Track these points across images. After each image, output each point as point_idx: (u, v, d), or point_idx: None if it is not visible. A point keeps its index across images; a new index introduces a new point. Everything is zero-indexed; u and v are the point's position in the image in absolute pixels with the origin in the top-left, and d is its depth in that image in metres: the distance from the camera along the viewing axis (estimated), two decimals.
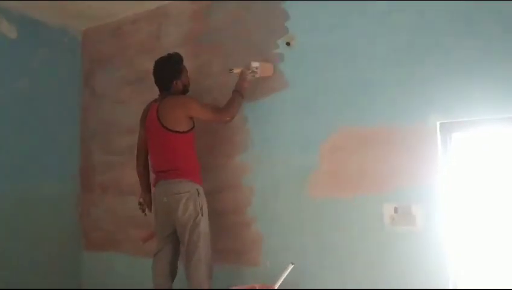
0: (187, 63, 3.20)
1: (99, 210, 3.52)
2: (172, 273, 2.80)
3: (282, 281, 2.52)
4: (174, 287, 2.79)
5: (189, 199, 2.62)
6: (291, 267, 2.53)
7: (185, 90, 2.85)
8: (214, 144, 2.92)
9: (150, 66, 3.39)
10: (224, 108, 2.76)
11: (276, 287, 2.51)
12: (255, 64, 2.81)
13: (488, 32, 2.35)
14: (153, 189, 2.84)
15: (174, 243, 2.76)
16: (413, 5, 2.53)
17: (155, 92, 3.25)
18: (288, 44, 2.89)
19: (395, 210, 2.53)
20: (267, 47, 2.95)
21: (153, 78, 3.35)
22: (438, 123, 2.48)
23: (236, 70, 2.84)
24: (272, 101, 2.92)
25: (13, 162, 3.13)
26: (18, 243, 3.09)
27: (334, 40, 2.75)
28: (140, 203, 2.91)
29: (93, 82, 3.70)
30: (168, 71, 2.81)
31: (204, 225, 2.66)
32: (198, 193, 2.66)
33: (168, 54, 2.86)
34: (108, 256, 3.44)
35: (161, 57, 2.85)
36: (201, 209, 2.64)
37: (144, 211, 2.92)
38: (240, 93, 2.79)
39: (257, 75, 2.83)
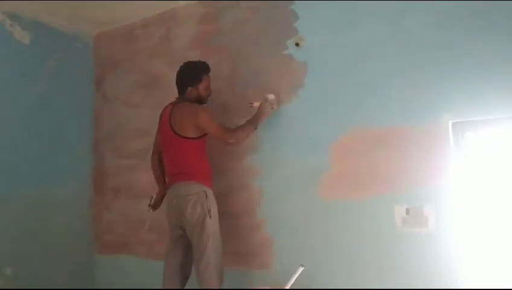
0: None
1: (112, 213, 3.54)
2: (183, 276, 2.79)
3: (292, 284, 2.50)
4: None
5: (197, 201, 2.62)
6: (301, 269, 2.51)
7: (199, 100, 2.81)
8: (223, 146, 2.91)
9: (161, 69, 3.44)
10: (232, 130, 2.73)
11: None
12: (270, 96, 2.83)
13: (501, 30, 2.30)
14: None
15: (185, 245, 2.75)
16: (425, 4, 2.50)
17: (166, 95, 3.27)
18: (297, 45, 2.88)
19: (407, 211, 2.50)
20: (276, 48, 2.94)
21: (163, 82, 3.40)
22: (450, 123, 2.44)
23: (256, 104, 2.83)
24: (281, 102, 2.90)
25: (27, 166, 3.17)
26: (32, 246, 3.12)
27: (344, 40, 2.73)
28: (151, 198, 2.90)
29: (105, 86, 3.73)
30: (186, 76, 2.80)
31: (212, 227, 2.64)
32: (206, 195, 2.65)
33: (195, 61, 2.85)
34: (121, 259, 3.45)
35: (187, 62, 2.85)
36: (209, 211, 2.63)
37: (149, 205, 2.91)
38: (253, 125, 2.76)
39: (275, 107, 2.85)
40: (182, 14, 3.40)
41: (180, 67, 2.84)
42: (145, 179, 3.39)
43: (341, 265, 2.66)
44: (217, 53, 3.18)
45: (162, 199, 2.90)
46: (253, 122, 2.76)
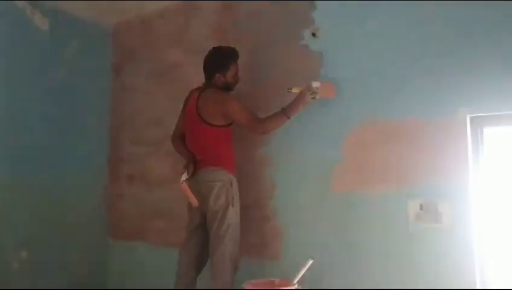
0: None
1: (126, 200, 3.57)
2: (198, 266, 2.79)
3: (302, 276, 2.48)
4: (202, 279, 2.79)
5: (221, 188, 2.60)
6: (310, 262, 2.48)
7: (226, 87, 2.77)
8: (236, 137, 2.89)
9: (178, 58, 3.45)
10: (262, 119, 2.63)
11: (295, 282, 2.47)
12: (315, 84, 2.58)
13: None
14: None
15: (202, 235, 2.74)
16: None
17: (183, 84, 3.30)
18: (314, 35, 2.84)
19: (421, 207, 2.44)
20: (293, 38, 2.91)
21: (181, 71, 3.40)
22: (468, 117, 2.37)
23: (295, 90, 2.63)
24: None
25: (44, 153, 3.21)
26: (47, 231, 3.17)
27: (361, 31, 2.69)
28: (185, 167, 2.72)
29: (123, 74, 3.75)
30: (215, 62, 2.76)
31: (233, 216, 2.63)
32: (231, 183, 2.64)
33: (225, 46, 2.81)
34: (135, 246, 3.49)
35: (216, 47, 2.81)
36: (232, 199, 2.62)
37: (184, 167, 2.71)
38: (286, 115, 2.59)
39: (317, 97, 2.60)
40: (200, 3, 3.39)
41: (209, 52, 2.80)
42: (159, 167, 3.41)
43: (352, 259, 2.63)
44: (234, 43, 3.14)
45: (192, 162, 2.73)
46: (286, 111, 2.59)
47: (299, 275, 2.47)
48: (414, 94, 2.49)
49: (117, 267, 3.54)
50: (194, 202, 2.68)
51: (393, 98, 2.55)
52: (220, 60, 2.76)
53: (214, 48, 2.81)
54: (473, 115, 2.37)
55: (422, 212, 2.44)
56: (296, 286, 2.46)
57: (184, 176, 2.71)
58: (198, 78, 3.26)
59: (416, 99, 2.48)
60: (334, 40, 2.77)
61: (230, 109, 2.63)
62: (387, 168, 2.54)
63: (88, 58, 3.58)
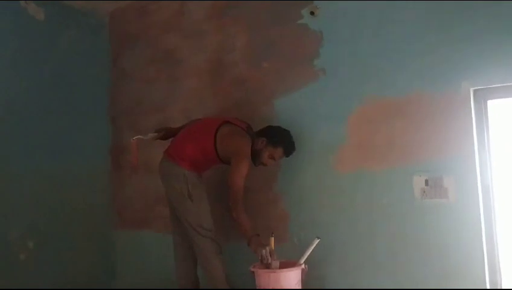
0: (211, 38, 3.19)
1: (130, 188, 3.56)
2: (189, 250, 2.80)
3: (309, 256, 2.48)
4: None
5: (174, 181, 2.67)
6: (317, 241, 2.48)
7: (254, 156, 2.66)
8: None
9: (176, 43, 3.41)
10: (240, 208, 2.54)
11: (302, 262, 2.47)
12: (274, 264, 2.45)
13: None
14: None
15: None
16: None
17: (182, 70, 3.28)
18: (312, 14, 2.81)
19: (426, 182, 2.43)
20: (291, 18, 2.87)
21: (178, 56, 3.37)
22: (471, 90, 2.36)
23: (271, 241, 2.50)
24: (296, 73, 2.84)
25: (46, 142, 3.19)
26: (53, 220, 3.17)
27: (360, 8, 2.65)
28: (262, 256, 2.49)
29: (121, 62, 3.72)
30: (272, 133, 2.67)
31: (194, 210, 2.65)
32: (185, 176, 2.64)
33: (290, 136, 2.69)
34: (139, 233, 3.48)
35: (286, 130, 2.70)
36: (188, 192, 2.63)
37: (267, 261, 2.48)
38: (247, 240, 2.52)
39: (260, 258, 2.45)
40: None
41: (280, 127, 2.71)
42: (161, 154, 3.39)
43: (359, 237, 2.62)
44: (231, 25, 3.13)
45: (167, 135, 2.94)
46: (247, 235, 2.52)
47: (306, 255, 2.47)
48: (416, 70, 2.47)
49: (123, 256, 3.54)
50: (134, 162, 2.84)
51: (395, 75, 2.53)
52: (276, 136, 2.67)
53: (285, 129, 2.70)
54: (476, 88, 2.35)
55: (427, 187, 2.43)
56: (303, 266, 2.46)
57: (149, 135, 2.86)
58: (196, 61, 3.26)
59: (418, 75, 2.46)
60: (333, 18, 2.74)
61: (234, 164, 2.58)
62: (391, 145, 2.53)
63: (85, 47, 3.55)
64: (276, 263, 2.47)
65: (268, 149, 2.66)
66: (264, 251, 2.44)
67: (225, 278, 2.63)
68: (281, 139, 2.67)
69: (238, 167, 2.56)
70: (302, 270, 2.46)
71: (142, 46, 3.61)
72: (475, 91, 2.35)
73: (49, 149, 3.21)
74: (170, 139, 2.93)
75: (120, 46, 3.75)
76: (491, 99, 2.37)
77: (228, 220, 2.64)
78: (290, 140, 2.69)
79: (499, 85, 2.29)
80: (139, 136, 2.79)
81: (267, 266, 2.45)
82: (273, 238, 2.52)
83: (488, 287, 2.29)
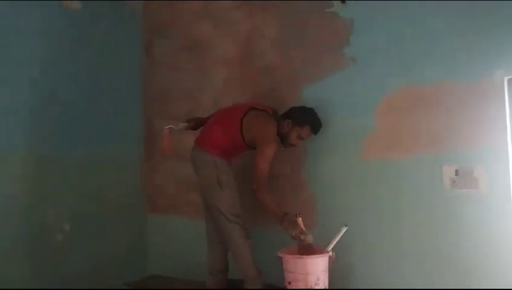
0: (241, 27, 3.21)
1: (161, 175, 3.65)
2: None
3: (336, 244, 2.50)
4: None
5: (204, 167, 2.74)
6: (344, 229, 2.50)
7: (282, 138, 2.73)
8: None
9: (206, 31, 3.45)
10: (265, 189, 2.61)
11: (329, 249, 2.49)
12: (308, 237, 2.53)
13: None
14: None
15: None
16: None
17: (212, 58, 3.32)
18: (343, 1, 2.79)
19: (456, 172, 2.41)
20: (322, 5, 2.86)
21: (209, 44, 3.41)
22: (505, 79, 2.31)
23: (299, 221, 2.56)
24: (326, 61, 2.84)
25: (82, 129, 3.29)
26: (88, 204, 3.27)
27: None
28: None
29: (153, 51, 3.78)
30: (297, 113, 2.72)
31: (225, 198, 2.69)
32: (216, 164, 2.70)
33: (315, 113, 2.73)
34: (170, 219, 3.57)
35: (311, 108, 2.74)
36: (217, 178, 2.69)
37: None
38: (280, 220, 2.60)
39: (295, 237, 2.55)
40: None
41: (303, 107, 2.75)
42: (192, 141, 3.45)
43: (386, 226, 2.63)
44: (261, 13, 3.14)
45: (198, 123, 3.01)
46: (279, 217, 2.60)
47: (334, 243, 2.50)
48: (448, 57, 2.44)
49: (154, 239, 3.64)
50: (166, 151, 2.87)
51: (426, 62, 2.50)
52: (302, 116, 2.70)
53: (309, 108, 2.74)
54: (511, 77, 2.30)
55: (457, 177, 2.41)
56: (330, 253, 2.49)
57: (180, 126, 2.92)
58: (227, 49, 3.29)
59: (450, 63, 2.43)
60: (364, 5, 2.72)
61: (260, 147, 2.63)
62: (420, 134, 2.51)
63: (119, 36, 3.62)
64: (310, 238, 2.53)
65: (296, 130, 2.70)
66: (295, 231, 2.52)
67: (253, 262, 2.68)
68: (306, 118, 2.70)
69: (263, 151, 2.62)
70: (330, 257, 2.49)
71: (174, 35, 3.67)
72: (509, 80, 2.30)
73: (85, 135, 3.31)
74: (200, 129, 2.99)
75: (152, 35, 3.82)
76: None
77: (255, 205, 2.68)
78: (315, 117, 2.72)
79: None
80: (170, 126, 2.84)
81: (302, 244, 2.52)
82: (300, 218, 2.56)
83: None
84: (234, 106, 2.97)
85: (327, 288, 2.46)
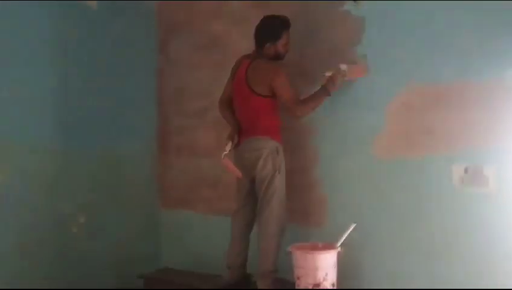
0: (255, 25, 3.24)
1: (175, 170, 3.71)
2: (249, 233, 2.89)
3: (346, 240, 2.53)
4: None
5: (268, 156, 2.69)
6: (353, 226, 2.53)
7: (277, 56, 2.80)
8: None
9: (220, 29, 3.49)
10: (302, 102, 2.67)
11: (338, 246, 2.52)
12: (343, 67, 2.67)
13: None
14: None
15: (253, 202, 2.83)
16: None
17: (226, 56, 3.35)
18: (355, 0, 2.80)
19: (466, 170, 2.41)
20: (334, 4, 2.88)
21: (224, 42, 3.46)
22: None
23: (328, 74, 2.70)
24: (338, 59, 2.86)
25: (98, 125, 3.37)
26: (102, 197, 3.35)
27: None
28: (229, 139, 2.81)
29: (168, 49, 3.84)
30: (265, 31, 2.77)
31: (279, 182, 2.71)
32: (278, 151, 2.72)
33: (277, 15, 2.79)
34: (183, 213, 3.63)
35: (268, 15, 2.80)
36: (279, 166, 2.70)
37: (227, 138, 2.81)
38: (327, 92, 2.67)
39: (346, 78, 2.69)
40: None
41: (260, 21, 2.81)
42: (205, 138, 3.51)
43: (396, 225, 2.64)
44: (275, 11, 3.14)
45: (238, 133, 2.86)
46: (326, 89, 2.67)
47: (342, 239, 2.53)
48: (460, 56, 2.44)
49: (168, 233, 3.70)
50: (238, 174, 2.78)
51: (438, 60, 2.51)
52: (271, 28, 2.77)
53: (265, 16, 2.81)
54: None
55: (467, 175, 2.41)
56: (339, 249, 2.51)
57: (228, 147, 2.81)
58: (242, 48, 3.32)
59: (461, 62, 2.43)
60: (376, 4, 2.72)
61: (276, 82, 2.67)
62: (431, 132, 2.52)
63: (134, 34, 3.69)
64: (344, 66, 2.66)
65: (279, 44, 2.76)
66: (340, 77, 2.65)
67: (277, 257, 2.69)
68: (275, 29, 2.76)
69: (279, 84, 2.66)
70: (339, 253, 2.52)
71: (188, 33, 3.72)
72: None
73: (101, 130, 3.38)
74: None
75: (167, 33, 3.87)
76: None
77: None
78: (278, 20, 2.77)
79: None
80: (225, 153, 2.79)
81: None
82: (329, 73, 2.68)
83: None
84: (234, 82, 2.88)
85: (336, 285, 2.49)
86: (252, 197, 2.84)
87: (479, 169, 2.38)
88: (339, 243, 2.52)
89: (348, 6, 2.83)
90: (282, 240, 2.72)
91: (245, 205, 2.87)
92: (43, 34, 3.08)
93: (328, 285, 2.45)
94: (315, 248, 2.58)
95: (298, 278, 2.51)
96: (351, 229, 2.53)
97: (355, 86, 2.79)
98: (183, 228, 3.62)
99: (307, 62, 3.02)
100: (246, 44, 3.29)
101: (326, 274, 2.45)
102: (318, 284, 2.44)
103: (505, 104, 2.33)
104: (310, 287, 2.45)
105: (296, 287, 2.52)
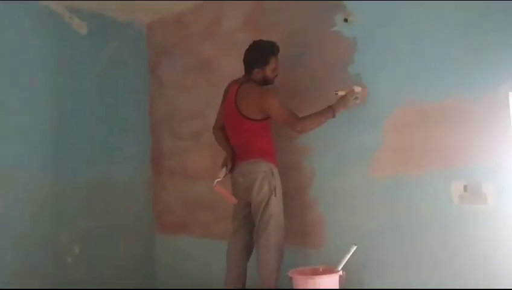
0: (246, 47, 3.23)
1: (169, 194, 3.67)
2: (248, 255, 2.86)
3: (346, 263, 2.50)
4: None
5: (263, 179, 2.66)
6: (354, 248, 2.50)
7: (265, 81, 2.79)
8: (275, 125, 2.91)
9: (212, 52, 3.49)
10: (302, 118, 2.61)
11: (339, 269, 2.49)
12: (357, 89, 2.63)
13: None
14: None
15: (250, 225, 2.79)
16: None
17: (218, 78, 3.34)
18: (346, 20, 2.81)
19: (465, 188, 2.40)
20: (325, 25, 2.89)
21: (215, 65, 3.45)
22: (510, 94, 2.30)
23: (341, 93, 2.66)
24: (331, 79, 2.86)
25: (90, 150, 3.35)
26: (97, 225, 3.31)
27: (395, 12, 2.63)
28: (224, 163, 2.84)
29: (159, 72, 3.84)
30: (254, 56, 2.77)
31: (276, 205, 2.68)
32: (273, 173, 2.69)
33: (265, 40, 2.79)
34: (179, 239, 3.58)
35: (257, 40, 2.80)
36: (274, 189, 2.67)
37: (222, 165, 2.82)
38: (332, 112, 2.61)
39: (358, 101, 2.66)
40: None
41: (249, 46, 2.81)
42: (199, 161, 3.48)
43: (396, 243, 2.62)
44: (265, 33, 3.16)
45: (232, 159, 2.83)
46: (332, 109, 2.61)
47: (343, 262, 2.49)
48: (453, 73, 2.44)
49: (164, 260, 3.65)
50: (232, 200, 2.76)
51: (432, 79, 2.51)
52: (259, 54, 2.76)
53: (254, 41, 2.81)
54: None
55: (466, 193, 2.40)
56: (340, 273, 2.48)
57: (221, 174, 2.79)
58: (232, 70, 3.31)
59: (456, 79, 2.43)
60: (367, 23, 2.74)
61: (267, 105, 2.65)
62: (428, 150, 2.51)
63: (125, 58, 3.69)
64: (359, 89, 2.64)
65: (267, 69, 2.76)
66: (351, 99, 2.62)
67: (277, 278, 2.65)
68: (263, 54, 2.75)
69: (274, 106, 2.64)
70: (340, 277, 2.48)
71: (179, 56, 3.72)
72: None
73: (93, 155, 3.36)
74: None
75: (157, 56, 3.87)
76: None
77: None
78: (266, 46, 2.76)
79: None
80: (217, 180, 2.77)
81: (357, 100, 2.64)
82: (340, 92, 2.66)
83: None
84: (225, 106, 2.86)
85: None
86: (248, 220, 2.81)
87: (478, 186, 2.37)
88: (340, 267, 2.49)
89: (339, 26, 2.83)
90: (281, 264, 2.68)
91: (240, 228, 2.84)
92: (33, 62, 3.08)
93: None
94: (316, 272, 2.54)
95: None
96: (351, 251, 2.49)
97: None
98: (178, 252, 3.58)
99: (298, 83, 3.01)
100: (236, 66, 3.29)
101: None
102: None
103: (499, 120, 2.33)
104: None
105: None
